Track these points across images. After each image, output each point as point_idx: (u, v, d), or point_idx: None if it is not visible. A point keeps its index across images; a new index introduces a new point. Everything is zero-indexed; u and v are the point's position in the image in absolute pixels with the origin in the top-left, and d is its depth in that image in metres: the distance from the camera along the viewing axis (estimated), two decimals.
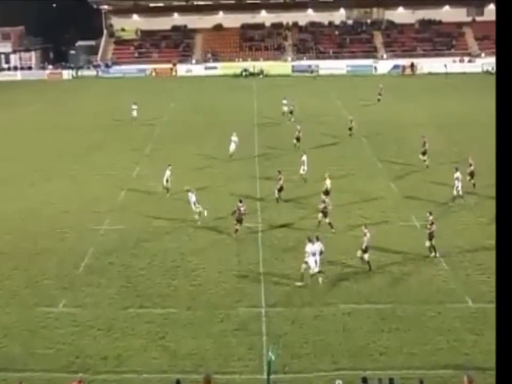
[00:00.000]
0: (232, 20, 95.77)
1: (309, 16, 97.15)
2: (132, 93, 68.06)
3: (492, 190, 26.61)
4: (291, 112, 53.66)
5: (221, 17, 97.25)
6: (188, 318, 22.03)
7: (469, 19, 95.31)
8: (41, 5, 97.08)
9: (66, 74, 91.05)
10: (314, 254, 23.88)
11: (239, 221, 28.86)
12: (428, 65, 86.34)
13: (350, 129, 47.89)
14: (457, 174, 32.29)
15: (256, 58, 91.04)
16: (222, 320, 21.86)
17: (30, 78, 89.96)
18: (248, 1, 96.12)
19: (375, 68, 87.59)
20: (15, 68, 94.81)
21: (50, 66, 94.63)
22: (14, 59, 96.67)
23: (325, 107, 61.11)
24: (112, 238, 29.42)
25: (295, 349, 19.98)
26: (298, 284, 23.99)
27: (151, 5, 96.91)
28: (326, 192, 31.85)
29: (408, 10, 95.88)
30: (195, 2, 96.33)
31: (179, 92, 73.05)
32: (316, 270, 23.90)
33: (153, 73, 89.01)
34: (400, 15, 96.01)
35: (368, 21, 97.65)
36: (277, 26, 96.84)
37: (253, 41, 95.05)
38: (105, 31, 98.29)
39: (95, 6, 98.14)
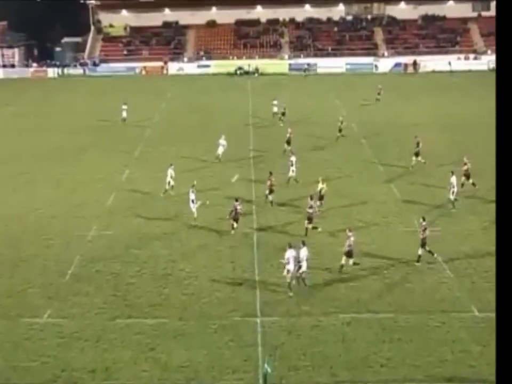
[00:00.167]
0: (226, 16, 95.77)
1: (306, 11, 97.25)
2: (121, 93, 68.04)
3: None
4: (283, 114, 53.59)
5: (214, 13, 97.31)
6: (180, 329, 22.05)
7: (475, 14, 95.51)
8: None
9: (52, 72, 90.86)
10: (300, 261, 24.13)
11: (236, 220, 29.63)
12: (431, 63, 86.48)
13: (340, 130, 47.63)
14: (453, 178, 32.61)
15: (251, 56, 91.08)
16: (215, 331, 21.89)
17: (12, 76, 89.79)
18: None
19: (376, 66, 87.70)
20: None
21: (34, 64, 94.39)
22: None
23: (323, 107, 61.23)
24: (100, 244, 29.43)
25: (292, 361, 20.03)
26: (290, 294, 24.15)
27: None
28: (321, 197, 32.21)
29: (410, 6, 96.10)
30: None
31: (170, 91, 73.09)
32: (299, 274, 24.19)
33: (143, 72, 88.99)
34: (402, 10, 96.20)
35: (369, 16, 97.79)
36: (273, 22, 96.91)
37: (248, 38, 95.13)
38: (92, 27, 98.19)
39: (82, 1, 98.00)
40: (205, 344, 21.02)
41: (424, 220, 26.93)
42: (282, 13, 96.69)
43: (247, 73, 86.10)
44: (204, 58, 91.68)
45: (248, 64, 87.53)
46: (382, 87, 64.12)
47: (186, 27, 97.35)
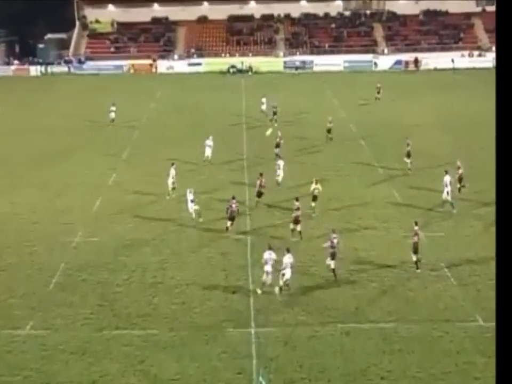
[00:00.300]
0: (218, 11, 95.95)
1: (302, 7, 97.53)
2: (108, 92, 68.05)
3: None
4: (275, 113, 53.63)
5: (205, 8, 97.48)
6: (170, 340, 22.03)
7: (479, 9, 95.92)
8: None
9: (34, 70, 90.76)
10: (284, 267, 24.27)
11: (231, 218, 29.88)
12: (433, 60, 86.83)
13: (329, 131, 47.43)
14: (447, 178, 33.08)
15: (245, 53, 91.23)
16: (207, 342, 21.86)
17: None
18: None
19: (375, 64, 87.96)
20: None
21: (16, 62, 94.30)
22: None
23: (321, 107, 61.32)
24: (86, 251, 29.37)
25: (288, 373, 20.02)
26: (279, 299, 24.31)
27: None
28: (314, 198, 32.57)
29: (411, 0, 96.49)
30: None
31: (160, 90, 73.08)
32: (283, 282, 24.35)
33: (131, 70, 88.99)
34: (403, 5, 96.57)
35: (368, 12, 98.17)
36: (267, 18, 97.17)
37: (241, 34, 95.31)
38: (77, 23, 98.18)
39: None
40: (196, 356, 20.99)
41: (416, 224, 26.96)
42: (277, 9, 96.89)
43: (240, 71, 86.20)
44: (195, 56, 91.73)
45: (241, 62, 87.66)
46: (381, 86, 64.29)
47: (176, 23, 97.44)
